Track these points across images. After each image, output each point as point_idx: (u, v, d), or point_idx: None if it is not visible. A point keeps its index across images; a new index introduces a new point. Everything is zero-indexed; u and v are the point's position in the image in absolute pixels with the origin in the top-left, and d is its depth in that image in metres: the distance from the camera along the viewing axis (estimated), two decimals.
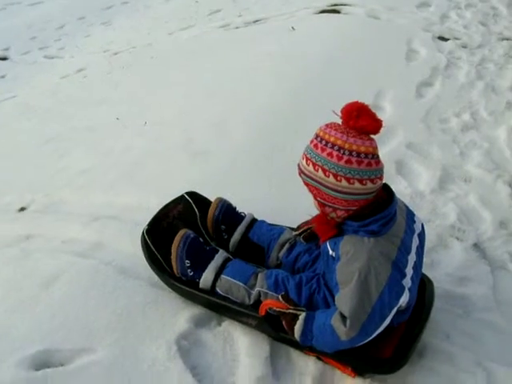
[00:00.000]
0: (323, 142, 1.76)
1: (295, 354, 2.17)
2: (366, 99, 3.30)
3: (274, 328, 2.08)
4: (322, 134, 1.78)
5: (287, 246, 2.38)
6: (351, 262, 1.80)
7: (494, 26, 5.55)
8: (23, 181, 3.49)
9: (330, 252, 1.94)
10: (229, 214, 2.51)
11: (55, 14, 8.69)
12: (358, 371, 2.07)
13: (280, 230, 2.46)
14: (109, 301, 2.34)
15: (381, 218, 1.81)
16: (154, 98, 4.50)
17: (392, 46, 5.00)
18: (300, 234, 2.37)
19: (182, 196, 2.63)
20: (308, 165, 1.80)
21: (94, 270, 2.49)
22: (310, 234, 2.32)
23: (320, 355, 2.10)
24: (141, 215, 2.69)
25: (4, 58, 7.38)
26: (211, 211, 2.50)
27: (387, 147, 3.42)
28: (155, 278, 2.40)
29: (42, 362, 2.11)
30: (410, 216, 2.03)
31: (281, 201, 2.94)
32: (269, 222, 2.53)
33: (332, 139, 1.74)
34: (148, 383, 2.03)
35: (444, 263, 2.62)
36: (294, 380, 2.09)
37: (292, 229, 2.45)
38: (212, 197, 2.62)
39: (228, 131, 3.70)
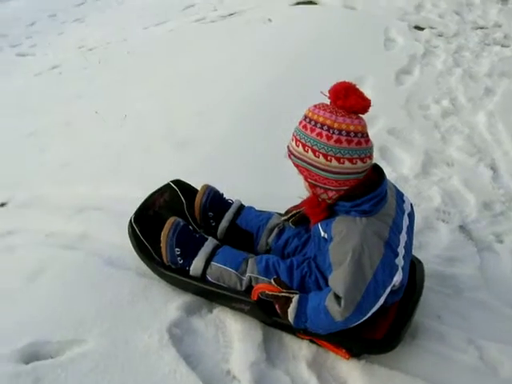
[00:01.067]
0: (312, 123, 1.75)
1: (288, 338, 2.17)
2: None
3: (267, 312, 2.07)
4: (310, 114, 1.77)
5: (276, 231, 2.37)
6: (344, 241, 1.79)
7: (467, 15, 5.59)
8: (3, 177, 3.41)
9: (322, 234, 1.93)
10: (216, 201, 2.49)
11: (24, 12, 8.50)
12: (352, 353, 2.06)
13: (268, 215, 2.44)
14: (97, 292, 2.30)
15: (372, 197, 1.81)
16: (132, 91, 4.43)
17: (369, 36, 5.01)
18: (289, 219, 2.35)
19: (168, 184, 2.60)
20: (298, 146, 1.79)
21: (80, 262, 2.46)
22: (298, 218, 2.31)
23: (313, 338, 2.09)
24: (126, 206, 2.64)
25: None
26: (198, 198, 2.48)
27: (369, 133, 3.41)
28: (143, 267, 2.37)
29: (32, 355, 2.06)
30: (400, 196, 2.04)
31: (267, 187, 2.93)
32: (257, 209, 2.51)
33: (321, 119, 1.73)
34: (141, 373, 2.00)
35: (432, 245, 2.65)
36: (288, 364, 2.09)
37: (280, 214, 2.44)
38: (198, 186, 2.59)
39: (210, 121, 3.68)
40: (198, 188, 2.55)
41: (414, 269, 2.21)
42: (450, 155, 3.33)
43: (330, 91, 1.76)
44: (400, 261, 1.87)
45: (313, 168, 1.79)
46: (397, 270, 1.85)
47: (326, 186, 1.82)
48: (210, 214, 2.47)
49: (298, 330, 2.04)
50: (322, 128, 1.72)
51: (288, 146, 1.86)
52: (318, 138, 1.73)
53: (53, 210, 2.91)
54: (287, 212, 2.39)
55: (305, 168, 1.81)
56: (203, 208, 2.47)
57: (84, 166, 3.29)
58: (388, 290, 1.83)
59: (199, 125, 3.65)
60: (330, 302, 1.82)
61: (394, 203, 1.94)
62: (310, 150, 1.76)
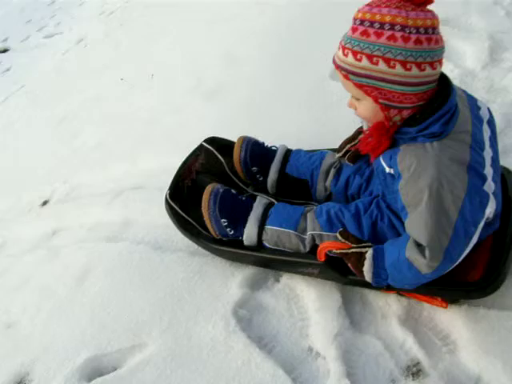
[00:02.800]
0: (376, 25, 1.36)
1: (372, 295, 1.87)
2: None
3: (341, 272, 1.76)
4: (369, 15, 1.38)
5: (333, 171, 2.02)
6: (416, 177, 1.44)
7: None
8: (42, 172, 3.21)
9: (387, 170, 1.59)
10: (257, 152, 2.15)
11: None
12: (450, 299, 1.73)
13: (320, 155, 2.09)
14: (148, 284, 2.06)
15: (441, 115, 1.43)
16: (155, 48, 4.14)
17: None
18: (344, 155, 2.00)
19: (201, 145, 2.30)
20: (360, 60, 1.39)
21: (126, 253, 2.22)
22: (355, 153, 1.95)
23: (401, 291, 1.78)
24: (165, 178, 2.34)
25: (5, 50, 7.07)
26: (236, 155, 2.15)
27: None
28: (194, 245, 2.11)
29: (94, 371, 1.87)
30: (473, 102, 1.62)
31: (312, 123, 2.58)
32: (306, 150, 2.17)
33: (388, 18, 1.34)
34: (211, 371, 1.74)
35: None
36: (377, 326, 1.80)
37: (334, 150, 2.08)
38: (238, 136, 2.25)
39: (237, 62, 3.34)
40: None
41: (506, 184, 1.81)
42: None
43: None
44: (490, 185, 1.49)
45: (386, 84, 1.40)
46: (488, 198, 1.47)
47: (403, 104, 1.44)
48: (254, 168, 2.15)
49: (381, 288, 1.72)
50: (393, 29, 1.34)
51: (339, 66, 1.46)
52: (392, 42, 1.34)
53: (92, 198, 2.68)
54: (341, 147, 2.03)
55: (374, 87, 1.42)
56: (244, 164, 2.14)
57: (116, 143, 3.04)
58: (481, 225, 1.47)
59: (226, 68, 3.32)
60: (411, 253, 1.48)
61: (468, 114, 1.54)
62: (381, 61, 1.37)
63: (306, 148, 2.18)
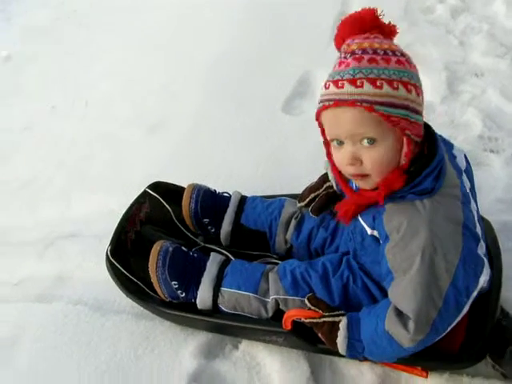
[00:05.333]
0: (380, 52, 1.22)
1: (342, 363, 1.68)
2: (333, 8, 2.65)
3: (310, 341, 1.56)
4: (367, 44, 1.23)
5: (293, 223, 1.84)
6: (407, 240, 1.27)
7: None
8: None
9: (369, 231, 1.42)
10: (209, 202, 1.94)
11: None
12: (430, 369, 1.56)
13: (279, 203, 1.90)
14: (88, 355, 1.78)
15: (432, 170, 1.27)
16: (88, 72, 3.83)
17: None
18: (307, 205, 1.81)
19: (145, 192, 2.05)
20: (381, 87, 1.19)
21: (61, 316, 1.93)
22: (320, 203, 1.76)
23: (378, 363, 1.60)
24: (103, 225, 2.13)
25: None
26: (185, 206, 1.92)
27: None
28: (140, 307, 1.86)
29: None
30: (449, 150, 1.46)
31: (266, 164, 2.38)
32: (262, 196, 1.98)
33: (386, 46, 1.24)
34: None
35: (487, 187, 2.11)
36: None
37: (293, 196, 1.90)
38: (184, 178, 2.06)
39: (180, 91, 3.11)
40: (185, 185, 2.00)
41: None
42: (476, 63, 2.76)
43: (341, 26, 1.32)
44: (482, 247, 1.35)
45: (407, 112, 1.22)
46: (483, 264, 1.32)
47: (419, 138, 1.29)
48: (206, 220, 1.93)
49: (356, 359, 1.54)
50: (395, 54, 1.23)
51: (358, 100, 1.19)
52: (402, 66, 1.22)
53: (20, 247, 2.37)
54: (303, 196, 1.84)
55: (398, 117, 1.21)
56: (195, 216, 1.92)
57: (48, 181, 2.73)
58: (474, 294, 1.31)
59: (169, 98, 3.08)
60: (391, 325, 1.31)
61: (450, 165, 1.38)
62: (400, 86, 1.20)
63: (260, 192, 2.02)
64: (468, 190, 1.39)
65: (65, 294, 2.06)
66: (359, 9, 3.10)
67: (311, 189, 1.81)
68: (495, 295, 1.55)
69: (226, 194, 2.00)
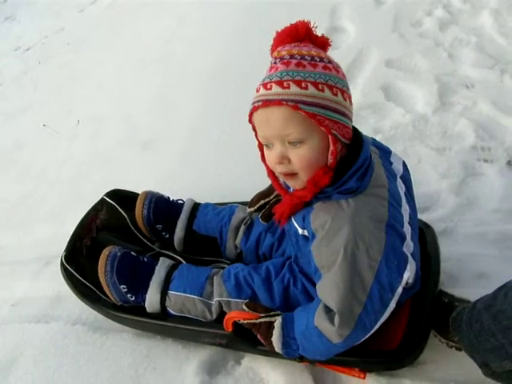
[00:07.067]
0: (307, 58, 1.27)
1: (345, 377, 1.64)
2: (323, 21, 2.62)
3: (250, 342, 1.61)
4: (295, 51, 1.28)
5: (243, 228, 1.90)
6: (331, 237, 1.31)
7: None
8: None
9: (300, 231, 1.46)
10: (161, 209, 2.00)
11: None
12: (368, 369, 1.59)
13: (230, 210, 1.96)
14: (90, 376, 1.78)
15: (356, 170, 1.31)
16: (80, 89, 3.84)
17: None
18: (257, 211, 1.88)
19: (102, 199, 2.14)
20: (306, 88, 1.23)
21: (60, 337, 1.93)
22: (270, 211, 1.80)
23: (314, 363, 1.63)
24: None
25: None
26: (138, 213, 1.99)
27: (365, 72, 2.91)
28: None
29: None
30: (385, 156, 1.53)
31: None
32: (216, 203, 2.05)
33: (314, 52, 1.29)
34: None
35: (483, 198, 2.13)
36: None
37: (245, 204, 1.95)
38: (179, 195, 2.08)
39: (174, 105, 3.13)
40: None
41: (424, 239, 1.74)
42: (466, 75, 2.77)
43: (277, 40, 1.35)
44: (409, 245, 1.40)
45: (331, 113, 1.25)
46: (406, 261, 1.37)
47: (345, 139, 1.31)
48: (159, 226, 1.99)
49: (294, 359, 1.56)
50: (322, 61, 1.27)
51: (283, 100, 1.23)
52: (328, 71, 1.26)
53: (16, 267, 2.36)
54: (253, 202, 1.90)
55: (323, 116, 1.24)
56: (148, 222, 1.99)
57: (41, 201, 2.73)
58: (399, 290, 1.35)
59: (161, 114, 3.09)
60: (320, 320, 1.36)
61: (381, 168, 1.44)
62: (325, 88, 1.24)
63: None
64: (402, 194, 1.45)
65: (63, 313, 2.05)
66: (348, 22, 3.14)
67: (261, 195, 1.87)
68: (430, 296, 1.61)
69: (180, 201, 2.05)
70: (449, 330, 1.55)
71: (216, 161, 2.58)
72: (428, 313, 1.58)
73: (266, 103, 1.25)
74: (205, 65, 3.40)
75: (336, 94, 1.26)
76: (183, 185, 2.40)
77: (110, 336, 1.89)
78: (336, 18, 3.43)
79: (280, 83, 1.24)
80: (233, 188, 2.26)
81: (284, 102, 1.23)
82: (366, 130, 2.41)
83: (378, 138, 2.38)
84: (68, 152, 3.10)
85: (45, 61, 4.95)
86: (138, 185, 2.17)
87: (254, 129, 1.37)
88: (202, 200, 2.06)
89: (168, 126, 2.96)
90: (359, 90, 2.77)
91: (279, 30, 1.34)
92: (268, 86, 1.26)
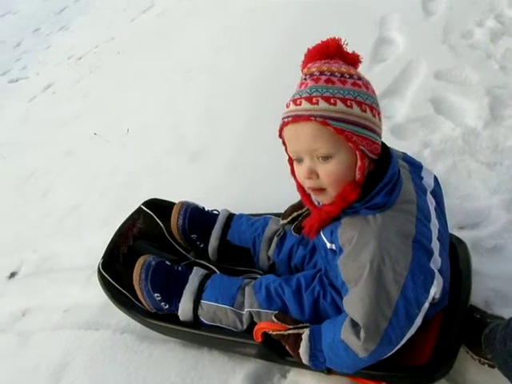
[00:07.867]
0: (337, 75, 1.30)
1: None
2: (372, 33, 2.55)
3: (278, 353, 1.63)
4: (325, 68, 1.32)
5: (275, 240, 1.92)
6: (357, 252, 1.34)
7: None
8: (8, 238, 2.94)
9: (328, 245, 1.49)
10: (196, 218, 2.04)
11: (7, 33, 8.02)
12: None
13: (263, 221, 1.99)
14: None
15: (383, 186, 1.34)
16: (130, 98, 3.92)
17: None
18: (290, 223, 1.89)
19: (140, 208, 2.19)
20: (335, 104, 1.27)
21: (109, 344, 1.98)
22: (302, 223, 1.80)
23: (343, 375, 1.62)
24: None
25: None
26: (174, 223, 2.03)
27: (414, 85, 2.88)
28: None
29: None
30: (416, 171, 1.54)
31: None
32: (250, 214, 2.08)
33: (344, 69, 1.32)
34: None
35: None
36: None
37: (278, 216, 1.97)
38: (227, 206, 2.12)
39: (223, 115, 3.16)
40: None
41: (456, 255, 1.73)
42: None
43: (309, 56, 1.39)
44: (436, 261, 1.41)
45: (360, 129, 1.29)
46: (433, 277, 1.38)
47: (373, 155, 1.34)
48: (194, 236, 2.03)
49: (321, 371, 1.57)
50: (352, 78, 1.31)
51: (312, 115, 1.27)
52: (357, 88, 1.30)
53: (67, 273, 2.42)
54: (286, 213, 1.91)
55: (351, 132, 1.27)
56: (183, 232, 2.03)
57: (92, 209, 2.80)
58: (426, 306, 1.37)
59: (209, 125, 3.12)
60: (346, 334, 1.38)
61: (411, 183, 1.46)
62: (354, 104, 1.28)
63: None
64: (431, 209, 1.47)
65: (111, 321, 2.10)
66: (397, 33, 3.12)
67: (294, 207, 1.88)
68: (461, 311, 1.60)
69: (215, 212, 2.09)
70: (481, 347, 1.54)
71: (265, 170, 2.59)
72: (458, 328, 1.57)
73: (296, 119, 1.29)
74: (252, 76, 3.43)
75: (365, 111, 1.29)
76: (230, 194, 2.43)
77: (158, 346, 1.92)
78: (385, 29, 3.40)
79: (309, 99, 1.28)
80: (280, 200, 2.26)
81: (313, 118, 1.26)
82: (414, 143, 2.46)
83: (426, 151, 2.41)
84: (118, 161, 3.16)
85: (95, 70, 5.08)
86: (184, 195, 2.20)
87: (284, 143, 1.41)
88: (249, 211, 2.09)
89: (216, 136, 2.99)
90: (408, 103, 2.76)
91: (310, 47, 1.39)
92: (298, 102, 1.30)
